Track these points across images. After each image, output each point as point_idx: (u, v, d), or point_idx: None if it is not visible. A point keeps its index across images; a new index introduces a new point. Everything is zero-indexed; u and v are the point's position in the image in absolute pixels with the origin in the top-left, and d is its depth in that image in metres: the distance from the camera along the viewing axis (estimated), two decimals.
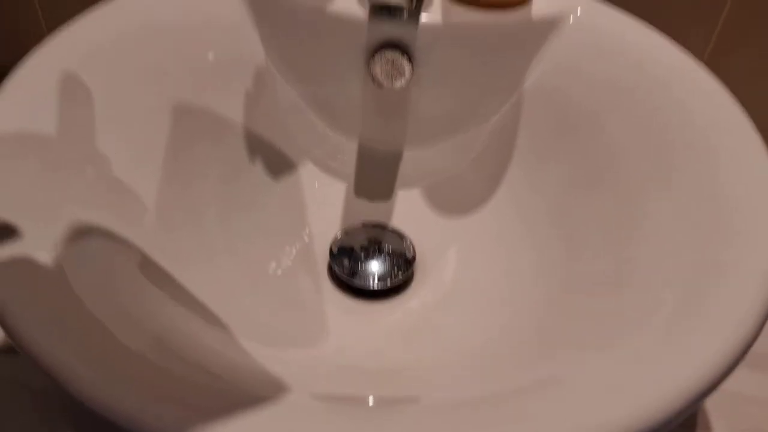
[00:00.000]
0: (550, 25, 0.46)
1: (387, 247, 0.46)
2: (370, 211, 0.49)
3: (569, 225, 0.43)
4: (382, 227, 0.48)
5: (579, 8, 0.46)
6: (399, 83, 0.46)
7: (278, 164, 0.49)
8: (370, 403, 0.32)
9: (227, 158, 0.47)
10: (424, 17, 0.44)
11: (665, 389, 0.28)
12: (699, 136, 0.39)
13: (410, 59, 0.45)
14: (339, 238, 0.47)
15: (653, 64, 0.43)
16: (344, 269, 0.45)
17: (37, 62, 0.41)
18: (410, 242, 0.46)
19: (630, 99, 0.43)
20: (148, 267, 0.39)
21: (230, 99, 0.47)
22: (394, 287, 0.45)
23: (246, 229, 0.46)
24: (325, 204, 0.49)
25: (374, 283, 0.44)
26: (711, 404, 0.44)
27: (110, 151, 0.41)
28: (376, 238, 0.47)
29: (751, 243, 0.33)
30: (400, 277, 0.45)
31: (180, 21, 0.45)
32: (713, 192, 0.36)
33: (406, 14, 0.39)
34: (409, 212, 0.49)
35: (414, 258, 0.46)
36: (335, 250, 0.46)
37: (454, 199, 0.48)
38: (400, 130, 0.49)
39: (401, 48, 0.45)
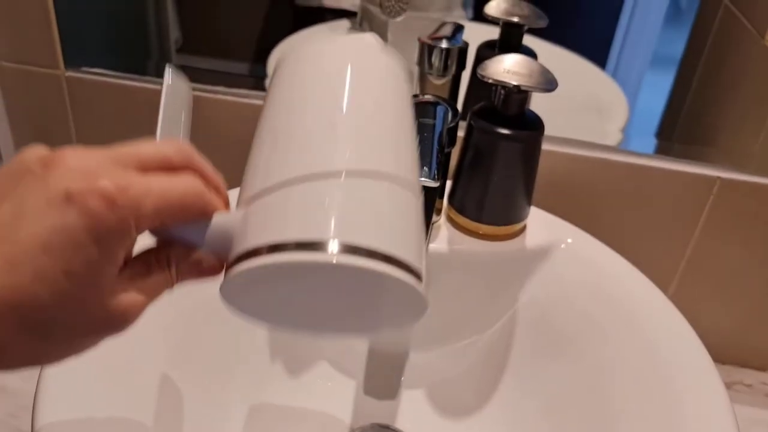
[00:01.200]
0: (541, 255, 0.53)
1: None
2: (377, 409, 0.54)
3: None
4: (388, 428, 0.53)
5: (569, 239, 0.53)
6: None
7: (296, 362, 0.55)
8: None
9: (249, 356, 0.53)
10: (432, 246, 0.52)
11: None
12: (663, 374, 0.45)
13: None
14: None
15: (630, 301, 0.50)
16: None
17: None
18: None
19: (606, 333, 0.49)
20: None
21: None
22: None
23: (263, 420, 0.51)
24: (336, 400, 0.54)
25: None
26: None
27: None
28: None
29: None
30: None
31: None
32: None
33: None
34: (412, 412, 0.54)
35: None
36: None
37: (453, 402, 0.54)
38: (407, 336, 0.55)
39: None
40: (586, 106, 0.68)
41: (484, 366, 0.54)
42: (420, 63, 0.58)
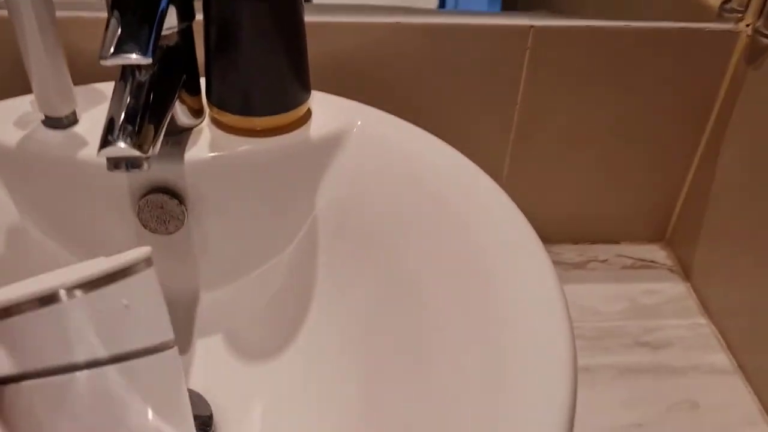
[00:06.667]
0: (330, 145, 0.43)
1: None
2: None
3: (375, 365, 0.39)
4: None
5: (359, 121, 0.44)
6: (173, 226, 0.42)
7: None
8: None
9: None
10: (190, 154, 0.41)
11: None
12: (481, 254, 0.36)
13: (181, 201, 0.41)
14: None
15: (435, 175, 0.41)
16: None
17: None
18: (206, 402, 0.41)
19: (417, 225, 0.40)
20: None
21: None
22: None
23: None
24: None
25: None
26: None
27: None
28: None
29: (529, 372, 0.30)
30: None
31: None
32: (497, 318, 0.33)
33: (146, 166, 0.35)
34: (208, 364, 0.44)
35: (211, 418, 0.40)
36: None
37: (255, 344, 0.44)
38: (190, 273, 0.45)
39: (169, 190, 0.41)
40: None
41: (287, 294, 0.44)
42: None
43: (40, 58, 0.38)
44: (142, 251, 0.31)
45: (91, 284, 0.28)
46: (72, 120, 0.42)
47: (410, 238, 0.40)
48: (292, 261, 0.44)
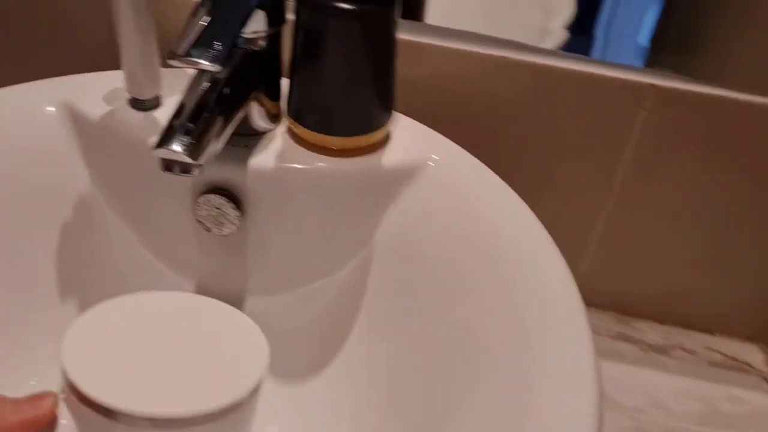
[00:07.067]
0: (403, 175, 0.41)
1: None
2: None
3: (407, 406, 0.37)
4: None
5: (435, 155, 0.41)
6: (227, 230, 0.41)
7: None
8: None
9: (51, 305, 0.42)
10: (257, 160, 0.40)
11: None
12: (527, 330, 0.33)
13: (238, 206, 0.40)
14: None
15: (501, 236, 0.37)
16: None
17: None
18: None
19: (471, 272, 0.37)
20: None
21: (57, 236, 0.43)
22: None
23: None
24: None
25: None
26: None
27: None
28: None
29: None
30: None
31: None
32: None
33: (197, 172, 0.34)
34: None
35: None
36: None
37: (284, 363, 0.42)
38: (240, 276, 0.44)
39: (228, 193, 0.40)
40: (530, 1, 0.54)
41: (327, 319, 0.43)
42: None
43: (131, 41, 0.39)
44: (263, 362, 0.32)
45: (211, 417, 0.29)
46: (155, 104, 0.42)
47: (461, 291, 0.37)
48: (338, 287, 0.42)
